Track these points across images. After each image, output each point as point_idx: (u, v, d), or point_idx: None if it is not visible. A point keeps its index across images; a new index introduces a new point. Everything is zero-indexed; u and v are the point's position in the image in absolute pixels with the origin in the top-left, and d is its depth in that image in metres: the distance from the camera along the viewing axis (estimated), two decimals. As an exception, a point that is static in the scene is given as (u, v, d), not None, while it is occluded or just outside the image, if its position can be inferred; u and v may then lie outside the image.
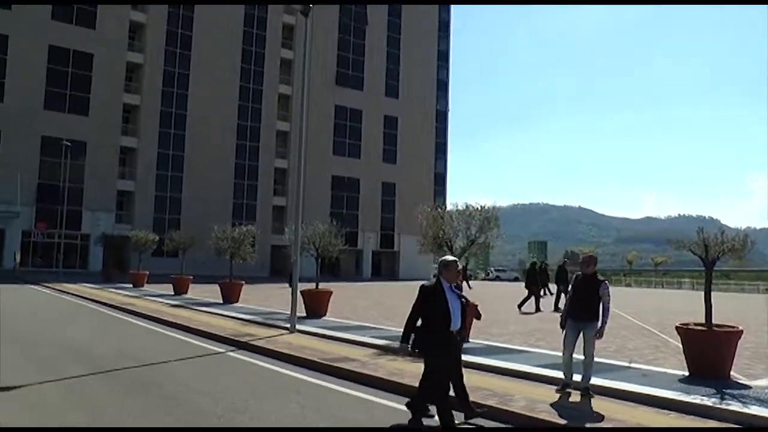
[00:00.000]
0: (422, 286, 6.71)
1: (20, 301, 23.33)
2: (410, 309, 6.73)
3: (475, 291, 38.87)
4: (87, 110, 54.50)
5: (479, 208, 14.45)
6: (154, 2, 58.05)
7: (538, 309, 22.95)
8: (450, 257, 6.91)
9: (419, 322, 6.73)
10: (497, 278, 77.56)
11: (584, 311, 8.24)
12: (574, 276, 8.70)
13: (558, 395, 8.18)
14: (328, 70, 66.67)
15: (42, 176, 52.20)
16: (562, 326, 8.49)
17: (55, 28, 53.46)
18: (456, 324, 6.53)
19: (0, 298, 24.13)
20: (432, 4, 75.92)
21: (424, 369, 6.65)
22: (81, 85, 54.38)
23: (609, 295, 8.24)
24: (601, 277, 8.40)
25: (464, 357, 11.01)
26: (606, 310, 8.15)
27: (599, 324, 8.10)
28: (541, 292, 25.15)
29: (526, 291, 24.15)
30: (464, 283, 44.51)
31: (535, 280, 24.41)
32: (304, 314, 17.98)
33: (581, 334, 8.25)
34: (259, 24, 63.67)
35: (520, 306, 23.01)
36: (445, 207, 15.97)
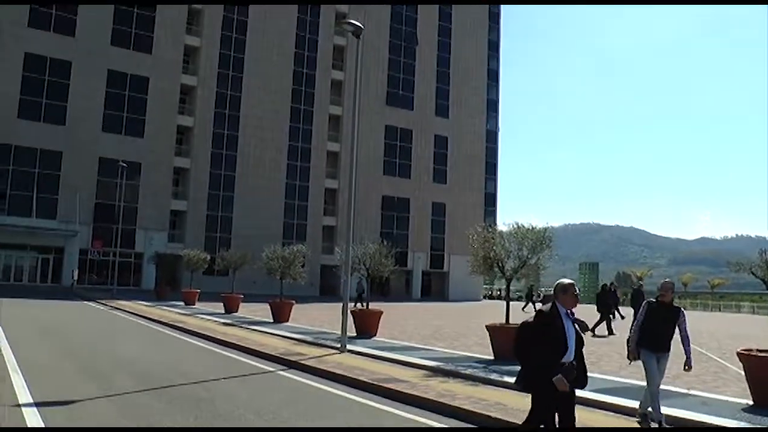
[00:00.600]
0: (539, 312, 5.84)
1: (77, 317, 23.86)
2: (518, 338, 5.89)
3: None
4: (142, 132, 55.83)
5: (531, 228, 14.27)
6: (210, 2, 59.43)
7: (610, 332, 22.45)
8: (567, 280, 5.95)
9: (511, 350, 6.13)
10: (546, 298, 76.37)
11: (664, 341, 7.89)
12: (646, 303, 8.26)
13: (638, 426, 7.90)
14: (378, 91, 67.13)
15: (99, 196, 53.53)
16: (635, 357, 8.06)
17: (114, 53, 55.03)
18: (570, 355, 5.65)
19: (59, 314, 24.74)
20: (483, 27, 75.97)
21: (533, 406, 5.78)
22: (137, 108, 55.77)
23: (686, 323, 7.96)
24: (676, 305, 8.11)
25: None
26: (687, 339, 7.90)
27: (685, 355, 7.85)
28: (612, 315, 24.73)
29: (599, 314, 23.67)
30: (531, 304, 43.98)
31: (606, 303, 24.02)
32: (354, 334, 17.97)
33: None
34: (310, 46, 64.50)
35: (593, 329, 22.49)
36: (496, 227, 15.79)
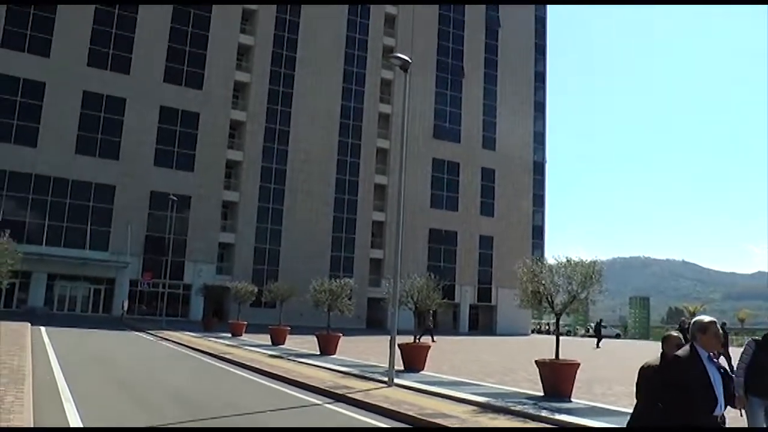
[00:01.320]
0: (674, 357, 4.86)
1: (127, 347, 24.21)
2: (638, 390, 5.18)
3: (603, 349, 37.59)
4: (192, 166, 56.95)
5: (580, 262, 14.07)
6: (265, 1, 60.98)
7: None
8: (707, 317, 5.03)
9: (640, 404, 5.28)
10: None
11: None
12: (753, 341, 7.48)
13: None
14: (425, 124, 67.44)
15: (150, 229, 54.62)
16: (744, 405, 7.10)
17: (166, 90, 56.51)
18: (721, 408, 4.75)
19: (109, 343, 25.16)
20: (529, 55, 76.02)
21: None
22: (187, 143, 57.00)
23: None
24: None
25: (565, 418, 10.64)
26: None
27: None
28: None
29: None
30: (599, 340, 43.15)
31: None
32: (402, 368, 17.84)
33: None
34: (357, 80, 65.28)
35: None
36: (544, 260, 15.61)
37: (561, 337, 15.83)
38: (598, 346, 40.94)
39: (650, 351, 21.73)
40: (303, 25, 63.09)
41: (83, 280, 53.42)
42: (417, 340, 20.05)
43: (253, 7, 61.60)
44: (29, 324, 30.40)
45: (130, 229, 52.86)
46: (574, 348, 35.78)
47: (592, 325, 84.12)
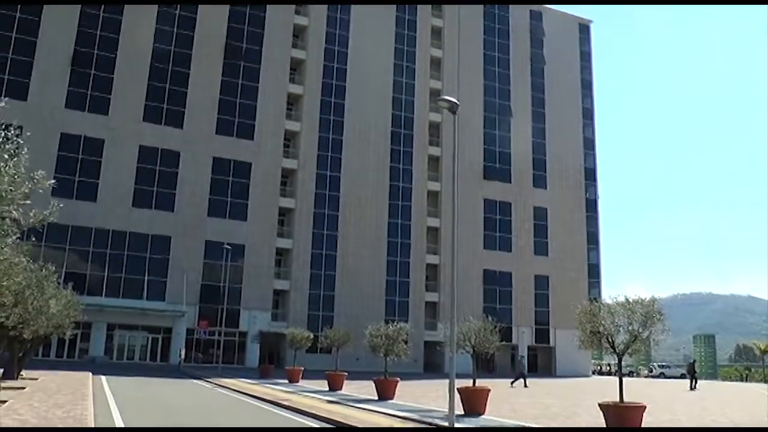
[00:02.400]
0: None
1: (186, 395, 24.38)
2: None
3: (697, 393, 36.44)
4: (246, 215, 57.87)
5: (640, 301, 13.79)
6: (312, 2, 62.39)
7: None
8: None
9: None
10: (661, 375, 72.80)
11: None
12: None
13: None
14: (474, 165, 67.48)
15: (205, 278, 55.48)
16: None
17: (219, 141, 57.92)
18: None
19: (168, 391, 25.38)
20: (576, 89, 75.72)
21: None
22: (240, 192, 58.07)
23: None
24: None
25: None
26: None
27: None
28: None
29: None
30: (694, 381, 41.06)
31: None
32: (462, 412, 17.55)
33: None
34: (405, 123, 65.83)
35: None
36: (602, 301, 15.34)
37: (628, 378, 15.43)
38: (693, 388, 39.03)
39: (751, 393, 20.90)
40: (350, 71, 64.23)
41: (141, 329, 54.43)
42: (512, 385, 19.68)
43: (301, 56, 63.03)
44: (90, 373, 30.98)
45: (186, 278, 53.83)
46: (668, 390, 34.63)
47: (656, 365, 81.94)
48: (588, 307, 14.42)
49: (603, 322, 13.83)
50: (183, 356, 49.63)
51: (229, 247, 50.22)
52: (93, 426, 12.54)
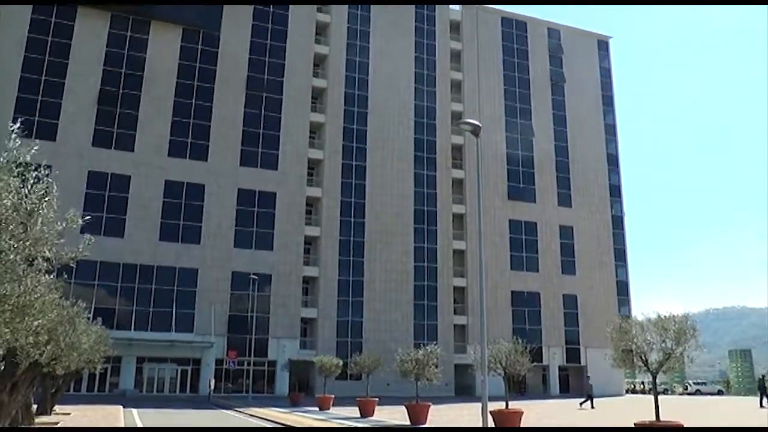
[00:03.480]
0: None
1: (220, 426, 24.37)
2: None
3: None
4: (271, 245, 58.13)
5: (672, 317, 13.62)
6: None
7: None
8: None
9: None
10: (697, 392, 71.52)
11: None
12: None
13: None
14: (499, 186, 67.31)
15: (233, 308, 55.67)
16: None
17: (243, 173, 58.43)
18: None
19: (201, 423, 25.39)
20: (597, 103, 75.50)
21: None
22: (266, 222, 58.37)
23: None
24: None
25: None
26: None
27: None
28: None
29: None
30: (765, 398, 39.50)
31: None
32: (495, 436, 17.38)
33: None
34: (428, 147, 65.95)
35: None
36: (633, 318, 15.19)
37: (665, 396, 15.20)
38: (763, 406, 37.42)
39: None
40: (371, 98, 64.69)
41: (170, 361, 54.66)
42: (581, 406, 19.43)
43: (322, 84, 63.64)
44: (121, 407, 31.15)
45: (214, 309, 54.11)
46: (738, 410, 33.74)
47: (691, 382, 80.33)
48: (619, 325, 14.28)
49: (635, 340, 13.69)
50: (213, 387, 49.76)
51: (256, 277, 50.54)
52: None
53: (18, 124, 6.51)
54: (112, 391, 51.05)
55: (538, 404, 40.21)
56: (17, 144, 6.51)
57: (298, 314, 58.21)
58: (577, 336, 67.57)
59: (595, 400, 37.96)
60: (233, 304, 55.68)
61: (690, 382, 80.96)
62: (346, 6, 66.33)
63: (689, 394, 70.37)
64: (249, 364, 49.60)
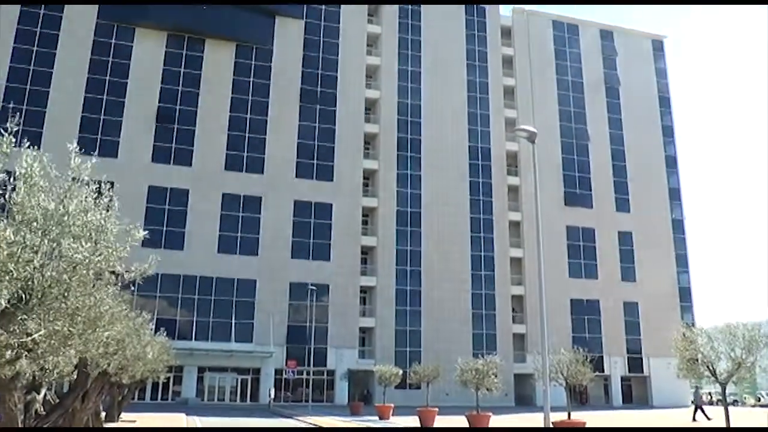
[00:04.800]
0: None
1: None
2: None
3: None
4: (328, 255, 58.52)
5: (741, 325, 13.19)
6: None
7: None
8: None
9: None
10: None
11: None
12: None
13: None
14: (554, 191, 66.40)
15: (291, 318, 56.19)
16: None
17: (299, 185, 59.06)
18: None
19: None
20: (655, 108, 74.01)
21: None
22: (322, 233, 58.83)
23: None
24: None
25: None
26: None
27: None
28: None
29: None
30: None
31: None
32: (558, 447, 17.10)
33: None
34: (483, 155, 65.56)
35: None
36: (696, 326, 14.77)
37: (734, 408, 14.74)
38: (696, 419, 34.12)
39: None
40: (424, 106, 64.74)
41: (231, 371, 55.46)
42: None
43: (375, 95, 63.99)
44: (184, 414, 31.68)
45: (272, 319, 54.71)
46: None
47: (764, 393, 77.12)
48: (683, 333, 13.91)
49: (701, 349, 13.30)
50: (272, 396, 50.32)
51: (314, 288, 51.01)
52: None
53: (75, 144, 6.72)
54: (174, 400, 52.12)
55: (600, 415, 39.45)
56: (79, 162, 6.72)
57: (356, 324, 58.40)
58: (639, 345, 66.06)
59: (659, 410, 36.76)
60: (291, 314, 56.22)
61: (763, 392, 77.87)
62: (397, 16, 66.59)
63: (762, 406, 67.77)
64: (308, 374, 49.97)
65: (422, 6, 67.57)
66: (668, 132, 75.45)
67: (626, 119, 72.36)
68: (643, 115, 73.33)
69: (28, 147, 6.41)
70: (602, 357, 62.07)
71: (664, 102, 76.13)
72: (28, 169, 6.18)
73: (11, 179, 6.23)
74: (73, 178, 6.67)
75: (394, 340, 58.45)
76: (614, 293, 66.56)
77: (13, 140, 6.13)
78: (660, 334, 57.40)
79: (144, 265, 7.85)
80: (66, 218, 6.31)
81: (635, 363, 65.76)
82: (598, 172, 69.60)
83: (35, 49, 55.56)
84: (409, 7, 67.23)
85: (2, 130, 6.10)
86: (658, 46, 77.65)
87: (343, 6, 64.52)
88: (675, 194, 73.96)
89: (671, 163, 74.65)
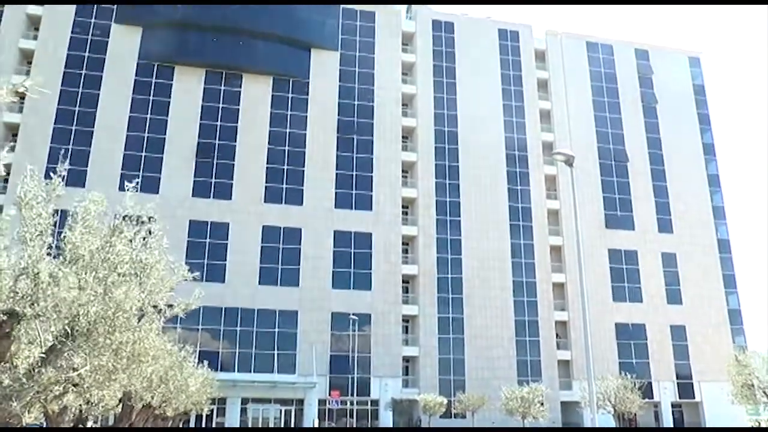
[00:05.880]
0: None
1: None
2: None
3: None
4: (369, 285, 58.48)
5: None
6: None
7: None
8: None
9: None
10: None
11: None
12: None
13: None
14: (595, 215, 65.56)
15: (333, 348, 56.10)
16: None
17: (338, 215, 59.33)
18: None
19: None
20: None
21: None
22: (362, 263, 58.86)
23: None
24: None
25: None
26: None
27: None
28: None
29: None
30: None
31: None
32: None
33: None
34: (521, 179, 65.14)
35: None
36: (747, 348, 14.35)
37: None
38: None
39: None
40: (461, 133, 64.72)
41: (274, 402, 55.43)
42: None
43: (412, 123, 64.21)
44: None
45: (315, 350, 54.66)
46: None
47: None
48: (736, 357, 13.51)
49: (757, 374, 12.88)
50: (316, 426, 50.15)
51: (356, 317, 51.00)
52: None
53: (133, 184, 6.86)
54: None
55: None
56: (132, 204, 6.85)
57: (399, 353, 58.07)
58: (689, 369, 64.33)
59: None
60: (334, 344, 56.17)
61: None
62: (431, 44, 66.97)
63: None
64: (352, 404, 49.86)
65: (455, 33, 67.90)
66: (709, 150, 74.07)
67: (665, 138, 71.37)
68: (683, 134, 72.23)
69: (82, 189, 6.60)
70: (651, 383, 60.61)
71: (704, 119, 74.87)
72: (85, 211, 6.34)
73: (66, 218, 6.39)
74: (124, 217, 6.79)
75: (438, 369, 57.90)
76: (660, 316, 65.15)
77: (62, 182, 6.27)
78: (711, 358, 56.08)
79: (187, 301, 7.95)
80: (112, 257, 6.42)
81: (686, 388, 64.03)
82: (638, 193, 68.61)
83: (80, 90, 57.22)
84: (443, 34, 67.62)
85: (53, 173, 6.26)
86: (694, 63, 76.63)
87: (377, 36, 65.20)
88: (719, 213, 72.40)
89: (714, 181, 73.19)
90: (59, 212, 6.62)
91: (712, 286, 68.06)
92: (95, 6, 59.32)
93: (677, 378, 64.10)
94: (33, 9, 58.36)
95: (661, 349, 64.12)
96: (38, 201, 6.26)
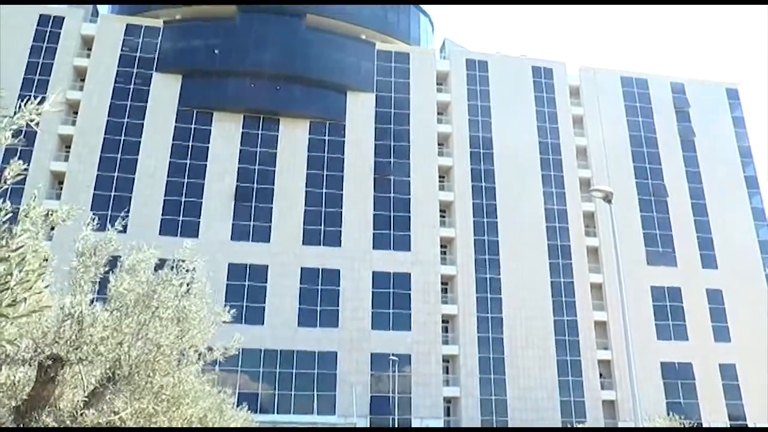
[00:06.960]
0: None
1: None
2: None
3: None
4: (409, 325, 58.17)
5: None
6: None
7: None
8: None
9: None
10: None
11: None
12: None
13: None
14: (636, 251, 64.47)
15: (373, 389, 55.74)
16: None
17: (376, 256, 59.37)
18: None
19: None
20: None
21: None
22: (401, 303, 58.66)
23: None
24: None
25: None
26: None
27: None
28: None
29: None
30: None
31: None
32: None
33: None
34: (560, 217, 64.61)
35: None
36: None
37: None
38: None
39: None
40: (497, 171, 64.61)
41: (314, 444, 55.15)
42: None
43: (448, 162, 64.44)
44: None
45: (355, 391, 54.34)
46: None
47: None
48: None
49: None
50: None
51: (396, 358, 50.69)
52: None
53: (190, 243, 7.10)
54: (258, 476, 51.88)
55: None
56: (189, 254, 7.05)
57: (440, 393, 57.42)
58: (741, 410, 62.11)
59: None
60: (374, 385, 55.81)
61: None
62: (465, 83, 67.39)
63: None
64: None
65: (489, 71, 68.27)
66: (752, 183, 72.65)
67: (705, 172, 70.28)
68: (723, 167, 71.05)
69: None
70: (701, 423, 58.80)
71: (745, 152, 73.63)
72: (137, 264, 6.53)
73: (114, 265, 6.57)
74: (171, 268, 6.94)
75: (480, 410, 57.05)
76: (708, 355, 63.39)
77: (111, 228, 6.44)
78: (763, 399, 54.30)
79: (227, 345, 8.02)
80: (154, 303, 6.55)
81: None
82: (679, 229, 67.43)
83: (123, 138, 58.72)
84: (477, 73, 68.03)
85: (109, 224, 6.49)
86: (733, 95, 75.70)
87: (412, 76, 65.91)
88: (766, 247, 70.77)
89: (759, 215, 71.63)
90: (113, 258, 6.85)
91: (762, 324, 66.08)
92: (138, 55, 61.17)
93: (729, 419, 61.96)
94: (79, 61, 60.50)
95: (711, 389, 62.16)
96: (95, 252, 6.51)
